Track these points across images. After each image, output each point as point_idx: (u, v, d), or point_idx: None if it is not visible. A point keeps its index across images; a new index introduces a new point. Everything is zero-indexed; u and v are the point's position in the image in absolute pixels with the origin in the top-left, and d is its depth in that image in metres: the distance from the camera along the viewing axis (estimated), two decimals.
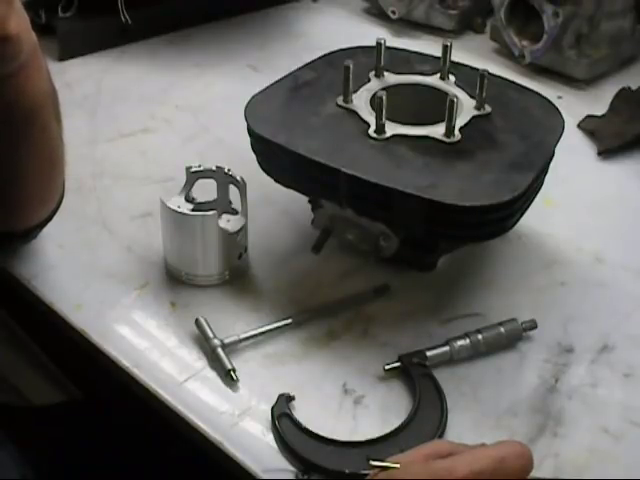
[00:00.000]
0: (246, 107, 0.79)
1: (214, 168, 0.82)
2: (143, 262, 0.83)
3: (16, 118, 0.67)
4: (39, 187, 0.74)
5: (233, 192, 0.82)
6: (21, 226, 0.77)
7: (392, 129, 0.76)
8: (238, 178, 0.80)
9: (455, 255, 0.83)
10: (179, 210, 0.78)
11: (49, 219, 0.79)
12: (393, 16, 1.26)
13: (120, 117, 1.06)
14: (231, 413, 0.70)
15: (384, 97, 0.75)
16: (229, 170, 0.81)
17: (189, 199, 0.82)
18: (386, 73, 0.84)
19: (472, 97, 0.80)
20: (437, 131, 0.76)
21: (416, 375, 0.71)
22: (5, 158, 0.70)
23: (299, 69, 0.86)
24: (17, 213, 0.75)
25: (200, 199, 0.83)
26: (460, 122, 0.77)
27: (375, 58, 0.83)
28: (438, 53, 0.84)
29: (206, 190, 0.83)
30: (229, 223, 0.81)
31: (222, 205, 0.83)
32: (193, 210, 0.80)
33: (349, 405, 0.70)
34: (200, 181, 0.82)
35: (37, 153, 0.71)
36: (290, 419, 0.68)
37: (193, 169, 0.81)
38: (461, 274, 0.83)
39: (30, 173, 0.72)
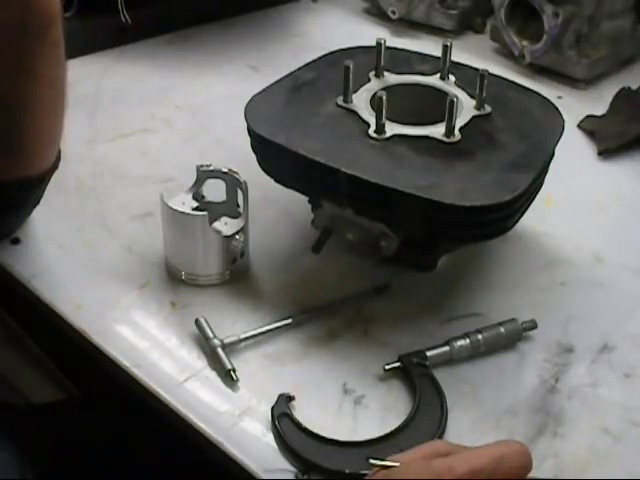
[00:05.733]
0: (246, 107, 0.79)
1: (224, 170, 0.82)
2: (143, 262, 0.83)
3: (31, 26, 0.69)
4: (51, 118, 0.76)
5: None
6: (37, 168, 0.78)
7: (392, 129, 0.76)
8: (242, 181, 0.80)
9: (455, 255, 0.83)
10: (174, 208, 0.78)
11: (55, 166, 0.80)
12: (393, 16, 1.26)
13: (120, 117, 1.06)
14: (231, 413, 0.70)
15: (384, 97, 0.75)
16: (235, 173, 0.81)
17: (197, 197, 0.82)
18: (386, 73, 0.84)
19: (472, 97, 0.80)
20: (437, 131, 0.76)
21: (416, 375, 0.71)
22: (20, 78, 0.72)
23: (299, 69, 0.86)
24: (31, 150, 0.77)
25: (212, 199, 0.83)
26: (460, 122, 0.77)
27: (375, 58, 0.83)
28: (438, 53, 0.84)
29: (221, 190, 0.83)
30: (226, 226, 0.80)
31: (229, 207, 0.83)
32: (197, 208, 0.80)
33: (349, 405, 0.70)
34: (215, 181, 0.82)
35: (49, 74, 0.73)
36: (290, 419, 0.68)
37: (203, 168, 0.81)
38: (461, 274, 0.83)
39: (43, 97, 0.74)
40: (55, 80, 0.75)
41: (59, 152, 0.80)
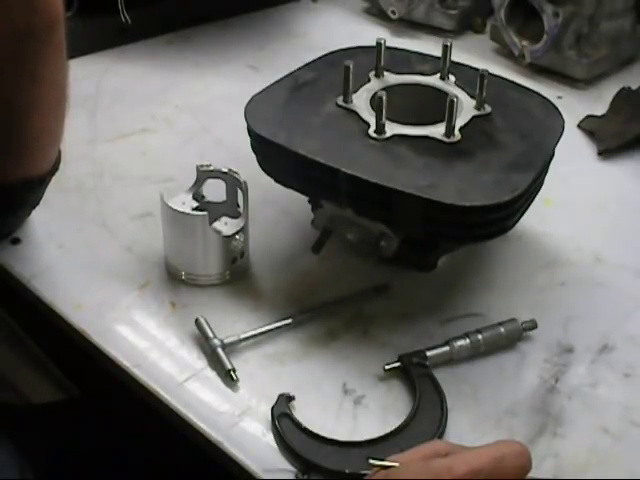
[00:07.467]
0: (246, 107, 0.79)
1: (224, 170, 0.82)
2: (143, 262, 0.83)
3: (36, 29, 0.69)
4: (52, 119, 0.76)
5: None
6: (38, 169, 0.79)
7: (392, 129, 0.76)
8: (242, 181, 0.80)
9: (455, 255, 0.83)
10: (174, 208, 0.78)
11: (56, 168, 0.80)
12: (393, 16, 1.26)
13: (120, 117, 1.06)
14: (231, 413, 0.70)
15: (384, 97, 0.75)
16: (235, 173, 0.81)
17: (197, 197, 0.82)
18: (386, 73, 0.84)
19: (472, 97, 0.80)
20: (437, 131, 0.76)
21: (416, 375, 0.71)
22: (24, 80, 0.72)
23: (299, 69, 0.86)
24: (33, 151, 0.77)
25: (212, 199, 0.83)
26: (460, 122, 0.77)
27: (375, 58, 0.83)
28: (438, 53, 0.84)
29: (221, 190, 0.83)
30: (226, 226, 0.80)
31: (229, 207, 0.83)
32: (197, 209, 0.80)
33: (349, 405, 0.70)
34: (215, 181, 0.82)
35: (52, 77, 0.73)
36: (290, 419, 0.68)
37: (203, 168, 0.81)
38: (461, 274, 0.83)
39: (46, 99, 0.74)
40: (58, 82, 0.75)
41: (59, 154, 0.81)
